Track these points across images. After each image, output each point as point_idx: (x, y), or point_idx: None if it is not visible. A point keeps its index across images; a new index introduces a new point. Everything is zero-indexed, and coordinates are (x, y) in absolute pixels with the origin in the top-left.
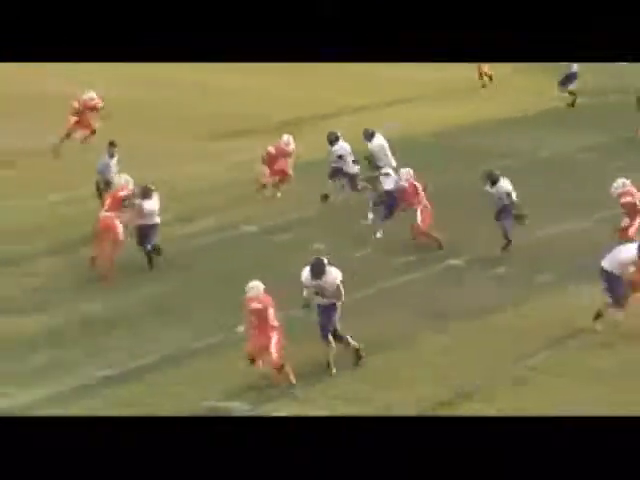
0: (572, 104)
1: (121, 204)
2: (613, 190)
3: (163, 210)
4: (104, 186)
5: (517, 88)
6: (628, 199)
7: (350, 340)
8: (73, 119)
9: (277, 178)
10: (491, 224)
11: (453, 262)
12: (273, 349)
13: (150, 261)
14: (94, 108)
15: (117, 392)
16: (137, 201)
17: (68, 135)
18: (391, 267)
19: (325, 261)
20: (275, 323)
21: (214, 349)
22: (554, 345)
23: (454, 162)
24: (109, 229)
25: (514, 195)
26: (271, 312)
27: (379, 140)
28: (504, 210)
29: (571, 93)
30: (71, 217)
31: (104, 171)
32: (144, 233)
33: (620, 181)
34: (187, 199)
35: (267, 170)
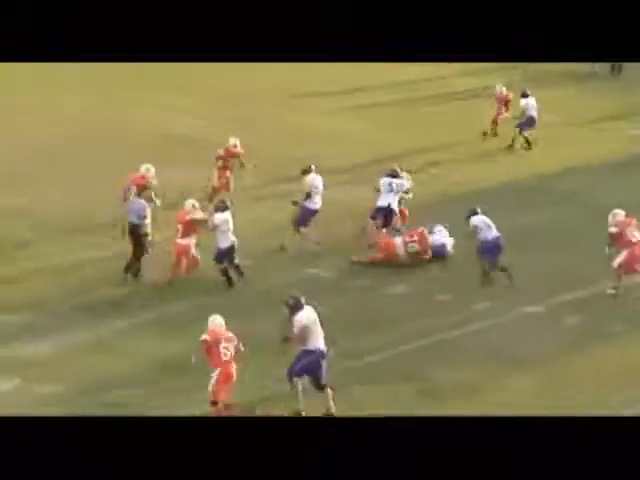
0: (511, 145)
1: (192, 228)
2: (610, 221)
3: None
4: (135, 229)
5: (607, 132)
6: (612, 229)
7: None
8: (219, 167)
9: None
10: (565, 270)
11: (528, 309)
12: (212, 382)
13: (227, 277)
14: (235, 155)
15: None
16: (210, 214)
17: (216, 189)
18: (469, 312)
19: (302, 300)
20: (225, 358)
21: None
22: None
23: (526, 206)
24: (185, 253)
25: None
26: (222, 347)
27: (312, 177)
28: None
29: (526, 140)
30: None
31: (142, 215)
32: (222, 252)
33: (612, 213)
34: (259, 241)
35: None
